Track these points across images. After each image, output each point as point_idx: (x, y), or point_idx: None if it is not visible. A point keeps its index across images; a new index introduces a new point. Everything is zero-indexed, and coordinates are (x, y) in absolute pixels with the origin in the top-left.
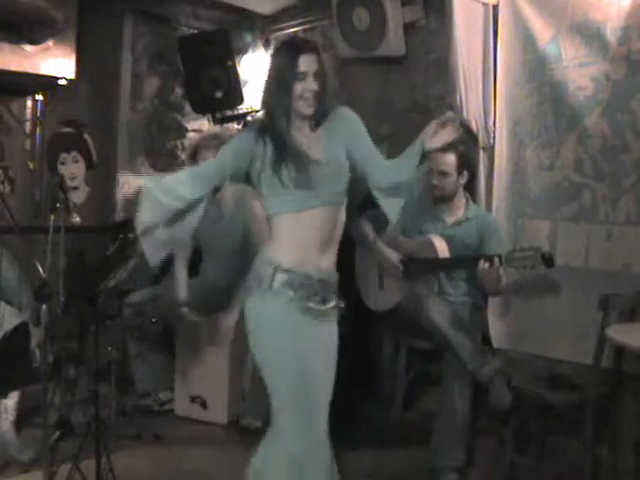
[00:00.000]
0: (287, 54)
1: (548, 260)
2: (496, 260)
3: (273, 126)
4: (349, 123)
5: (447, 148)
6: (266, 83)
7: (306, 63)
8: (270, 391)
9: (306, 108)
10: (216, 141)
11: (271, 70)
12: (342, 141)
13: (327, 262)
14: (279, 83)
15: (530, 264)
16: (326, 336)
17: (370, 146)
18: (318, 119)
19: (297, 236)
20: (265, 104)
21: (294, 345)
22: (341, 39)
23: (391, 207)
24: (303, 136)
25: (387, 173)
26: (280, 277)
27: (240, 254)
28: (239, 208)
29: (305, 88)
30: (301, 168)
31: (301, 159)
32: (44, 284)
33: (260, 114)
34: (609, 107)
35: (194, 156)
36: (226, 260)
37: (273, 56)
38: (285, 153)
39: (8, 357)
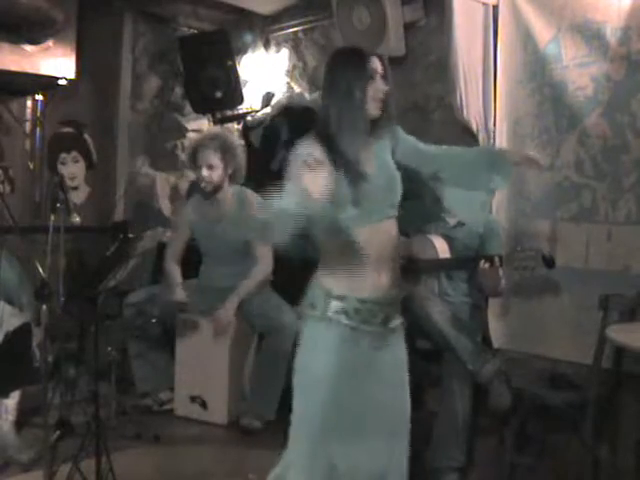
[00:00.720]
0: (356, 56)
1: (549, 261)
2: (496, 261)
3: (342, 135)
4: (392, 132)
5: None
6: (332, 89)
7: (374, 63)
8: (299, 419)
9: (375, 109)
10: (216, 141)
11: (337, 74)
12: (390, 150)
13: (385, 280)
14: (351, 85)
15: (531, 265)
16: (390, 360)
17: (419, 146)
18: (384, 124)
19: (351, 257)
20: (334, 111)
21: (346, 376)
22: (341, 39)
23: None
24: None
25: (461, 171)
26: (334, 304)
27: (240, 255)
28: (239, 209)
29: (376, 88)
30: (356, 183)
31: (357, 173)
32: (44, 284)
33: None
34: (609, 107)
35: (194, 157)
36: (226, 261)
37: (337, 61)
38: (343, 168)
39: (9, 357)
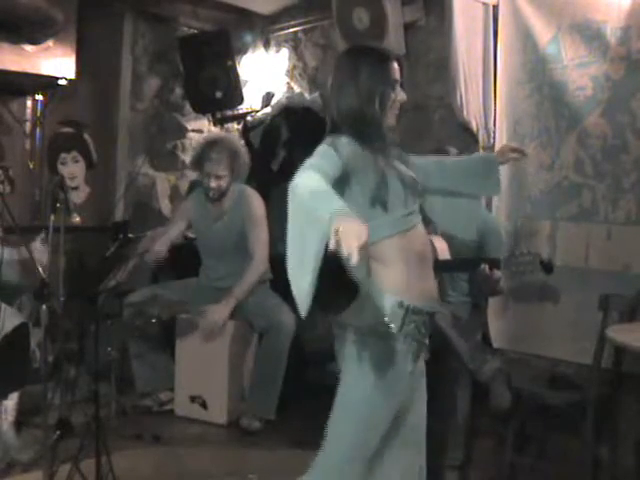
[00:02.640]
0: (379, 60)
1: (547, 266)
2: (496, 264)
3: (366, 140)
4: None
5: (441, 151)
6: (348, 94)
7: (396, 71)
8: (352, 443)
9: (393, 119)
10: (223, 152)
11: (359, 78)
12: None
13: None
14: (377, 92)
15: (529, 269)
16: (424, 379)
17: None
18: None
19: (413, 262)
20: (356, 118)
21: (411, 393)
22: (341, 39)
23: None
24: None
25: (450, 180)
26: (412, 318)
27: (238, 253)
28: (238, 207)
29: (396, 98)
30: (401, 183)
31: (399, 174)
32: (44, 284)
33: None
34: (609, 107)
35: (199, 164)
36: (225, 260)
37: (360, 64)
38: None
39: (8, 357)
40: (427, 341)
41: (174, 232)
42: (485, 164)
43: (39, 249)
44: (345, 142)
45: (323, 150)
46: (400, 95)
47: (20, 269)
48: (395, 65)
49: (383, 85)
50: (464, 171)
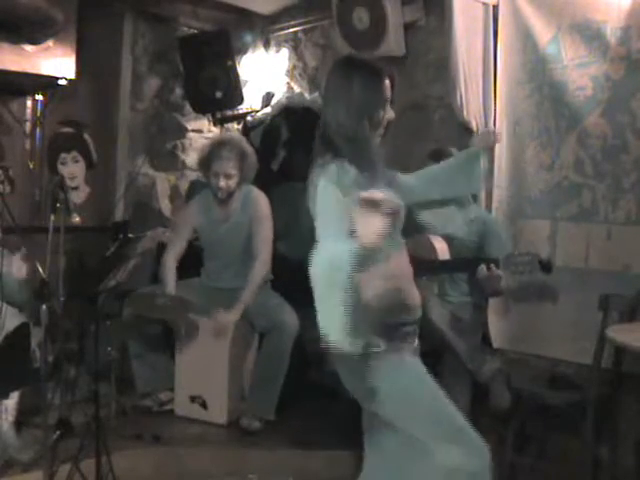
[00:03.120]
0: (373, 78)
1: (545, 266)
2: (495, 265)
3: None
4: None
5: (438, 154)
6: (345, 109)
7: (387, 89)
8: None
9: (379, 137)
10: (233, 151)
11: (350, 96)
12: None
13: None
14: (367, 112)
15: (528, 269)
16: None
17: (404, 182)
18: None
19: (389, 284)
20: (346, 136)
21: (425, 386)
22: (341, 39)
23: None
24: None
25: (438, 188)
26: (407, 329)
27: (242, 255)
28: (245, 208)
29: (384, 117)
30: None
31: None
32: (44, 284)
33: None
34: (609, 107)
35: (207, 164)
36: (229, 261)
37: (352, 79)
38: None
39: (9, 357)
40: (415, 343)
41: (181, 248)
42: (468, 160)
43: (17, 265)
44: (352, 173)
45: (335, 199)
46: (389, 114)
47: (20, 285)
48: (387, 83)
49: (374, 104)
50: (452, 173)
